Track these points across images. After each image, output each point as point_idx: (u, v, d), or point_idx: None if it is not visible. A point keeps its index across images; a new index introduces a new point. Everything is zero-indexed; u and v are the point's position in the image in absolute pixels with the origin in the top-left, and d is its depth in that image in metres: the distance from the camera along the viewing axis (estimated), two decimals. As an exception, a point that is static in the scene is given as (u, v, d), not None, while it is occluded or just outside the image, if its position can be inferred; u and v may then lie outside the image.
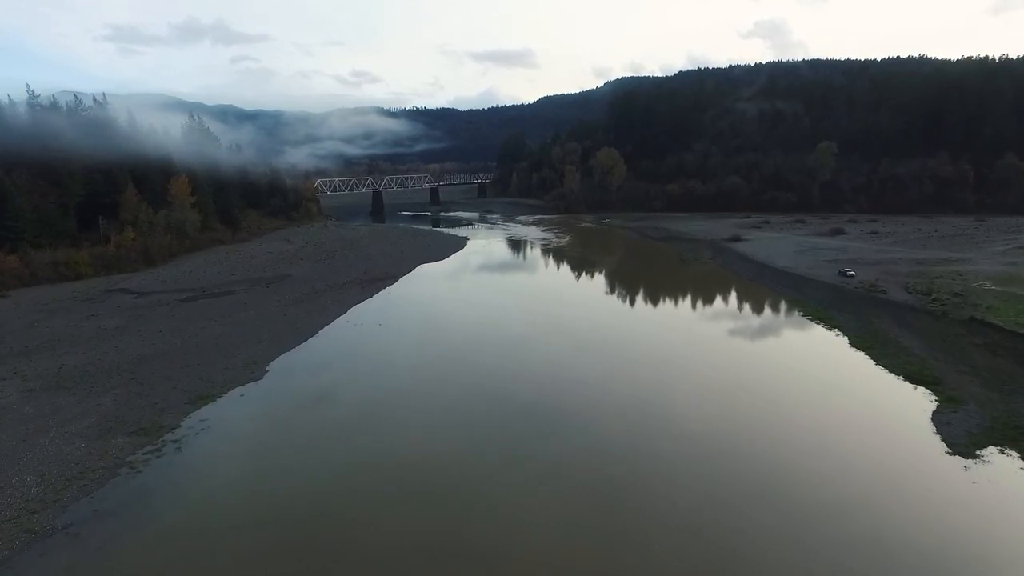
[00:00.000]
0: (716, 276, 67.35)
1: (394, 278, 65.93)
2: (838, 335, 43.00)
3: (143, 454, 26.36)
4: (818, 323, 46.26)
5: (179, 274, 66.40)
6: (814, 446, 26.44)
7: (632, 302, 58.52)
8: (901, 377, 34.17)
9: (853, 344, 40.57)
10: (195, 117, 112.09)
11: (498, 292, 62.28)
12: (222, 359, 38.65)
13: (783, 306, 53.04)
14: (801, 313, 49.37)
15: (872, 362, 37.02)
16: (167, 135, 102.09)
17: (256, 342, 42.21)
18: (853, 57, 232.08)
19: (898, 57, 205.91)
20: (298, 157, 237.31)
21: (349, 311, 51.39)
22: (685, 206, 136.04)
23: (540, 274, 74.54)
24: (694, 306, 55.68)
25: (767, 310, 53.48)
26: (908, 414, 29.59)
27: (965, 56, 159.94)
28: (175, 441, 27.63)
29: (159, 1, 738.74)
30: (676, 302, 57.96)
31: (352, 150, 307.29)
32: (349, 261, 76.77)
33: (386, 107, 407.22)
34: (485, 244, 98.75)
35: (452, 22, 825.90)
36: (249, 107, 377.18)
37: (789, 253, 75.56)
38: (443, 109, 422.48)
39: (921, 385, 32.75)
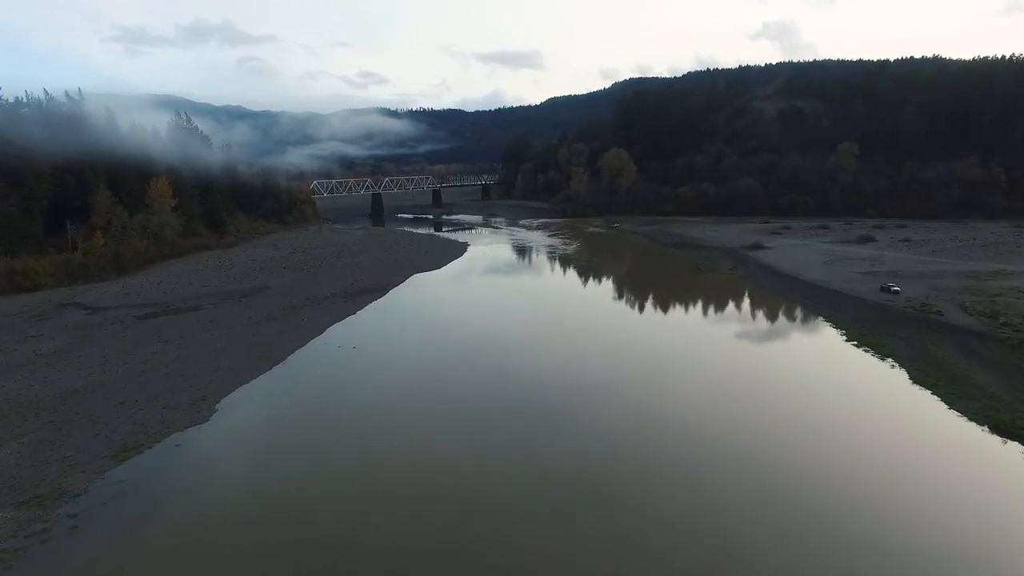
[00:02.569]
0: (739, 289, 60.75)
1: (384, 290, 59.79)
2: (893, 367, 36.43)
3: (25, 537, 20.39)
4: (866, 350, 39.62)
5: (147, 285, 60.41)
6: (907, 536, 19.95)
7: (652, 321, 52.16)
8: (986, 428, 27.62)
9: (914, 379, 33.98)
10: (182, 115, 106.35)
11: (497, 308, 55.77)
12: (166, 394, 32.68)
13: (822, 328, 46.31)
14: (844, 337, 42.71)
15: (944, 405, 30.44)
16: (155, 134, 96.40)
17: (212, 371, 36.23)
18: (864, 58, 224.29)
19: (911, 57, 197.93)
20: (301, 158, 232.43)
21: (327, 331, 45.32)
22: (697, 210, 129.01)
23: (545, 284, 68.03)
24: (716, 323, 49.10)
25: (803, 332, 47.01)
26: (1011, 488, 23.15)
27: (980, 56, 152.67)
28: (72, 516, 21.64)
29: (166, 2, 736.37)
30: (693, 317, 51.49)
31: (356, 151, 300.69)
32: (336, 270, 70.67)
33: (392, 108, 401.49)
34: (487, 250, 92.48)
35: (459, 23, 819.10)
36: (256, 108, 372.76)
37: (818, 263, 68.87)
38: (448, 110, 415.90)
39: (1016, 441, 26.26)
